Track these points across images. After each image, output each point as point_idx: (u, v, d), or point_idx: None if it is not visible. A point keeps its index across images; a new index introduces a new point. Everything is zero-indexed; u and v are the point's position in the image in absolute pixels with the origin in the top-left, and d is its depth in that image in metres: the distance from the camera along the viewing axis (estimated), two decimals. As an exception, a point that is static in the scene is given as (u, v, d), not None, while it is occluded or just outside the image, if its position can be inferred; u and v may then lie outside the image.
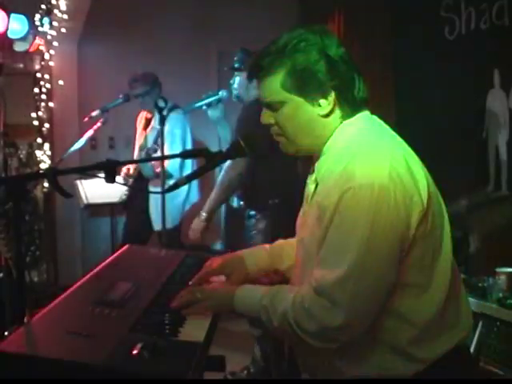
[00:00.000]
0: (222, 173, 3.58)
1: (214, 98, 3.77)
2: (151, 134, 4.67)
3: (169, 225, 4.52)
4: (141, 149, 4.74)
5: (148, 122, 4.78)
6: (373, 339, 1.63)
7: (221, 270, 1.97)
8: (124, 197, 4.90)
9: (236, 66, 3.77)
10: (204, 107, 3.81)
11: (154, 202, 4.60)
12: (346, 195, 1.55)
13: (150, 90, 4.54)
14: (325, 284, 1.56)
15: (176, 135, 4.56)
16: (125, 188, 4.83)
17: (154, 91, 4.54)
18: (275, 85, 1.66)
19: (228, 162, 3.46)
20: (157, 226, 4.58)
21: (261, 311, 1.69)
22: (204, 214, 3.63)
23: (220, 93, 3.79)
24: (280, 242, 2.07)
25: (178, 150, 4.33)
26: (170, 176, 4.37)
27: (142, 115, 4.85)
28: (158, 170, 4.40)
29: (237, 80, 3.75)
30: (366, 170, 1.56)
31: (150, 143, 4.65)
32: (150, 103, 4.50)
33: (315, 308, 1.57)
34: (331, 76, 1.63)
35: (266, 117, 1.73)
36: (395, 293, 1.60)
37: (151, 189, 4.55)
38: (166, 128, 4.22)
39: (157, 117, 4.56)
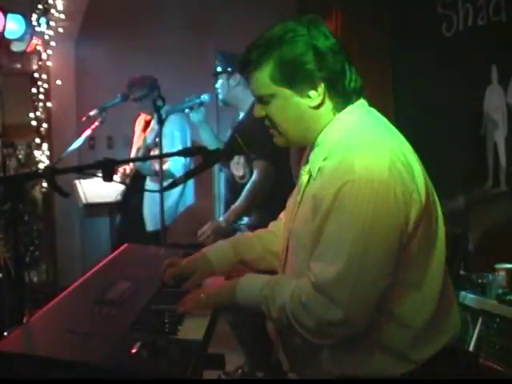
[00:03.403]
0: (252, 186, 3.42)
1: (195, 102, 3.77)
2: (150, 135, 4.66)
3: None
4: (139, 150, 4.73)
5: (147, 124, 4.77)
6: (365, 338, 1.60)
7: (183, 271, 1.95)
8: (119, 197, 4.89)
9: (218, 69, 3.68)
10: (187, 110, 3.83)
11: (148, 202, 4.60)
12: (344, 188, 1.52)
13: (147, 93, 4.52)
14: (324, 280, 1.54)
15: (176, 137, 4.54)
16: (121, 188, 4.82)
17: (152, 94, 4.51)
18: (264, 78, 1.65)
19: (256, 176, 3.40)
20: (150, 226, 4.59)
21: (261, 302, 1.66)
22: (224, 223, 3.47)
23: (202, 96, 3.78)
24: (246, 233, 2.08)
25: None
26: (172, 176, 4.33)
27: (141, 118, 4.85)
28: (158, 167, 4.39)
29: (219, 83, 3.67)
30: (366, 163, 1.54)
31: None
32: (148, 106, 4.48)
33: (313, 304, 1.56)
34: (319, 67, 1.61)
35: (259, 110, 1.72)
36: (391, 291, 1.58)
37: (149, 188, 4.53)
38: (166, 130, 4.21)
39: (156, 118, 4.58)
